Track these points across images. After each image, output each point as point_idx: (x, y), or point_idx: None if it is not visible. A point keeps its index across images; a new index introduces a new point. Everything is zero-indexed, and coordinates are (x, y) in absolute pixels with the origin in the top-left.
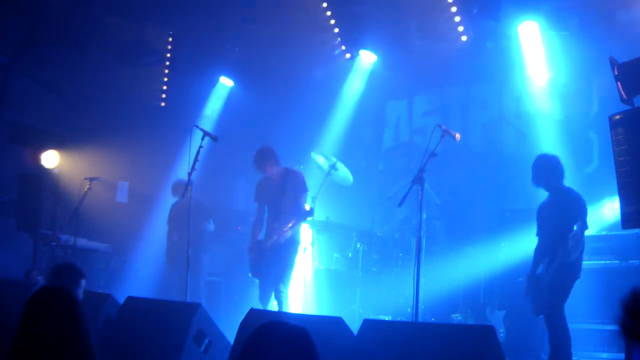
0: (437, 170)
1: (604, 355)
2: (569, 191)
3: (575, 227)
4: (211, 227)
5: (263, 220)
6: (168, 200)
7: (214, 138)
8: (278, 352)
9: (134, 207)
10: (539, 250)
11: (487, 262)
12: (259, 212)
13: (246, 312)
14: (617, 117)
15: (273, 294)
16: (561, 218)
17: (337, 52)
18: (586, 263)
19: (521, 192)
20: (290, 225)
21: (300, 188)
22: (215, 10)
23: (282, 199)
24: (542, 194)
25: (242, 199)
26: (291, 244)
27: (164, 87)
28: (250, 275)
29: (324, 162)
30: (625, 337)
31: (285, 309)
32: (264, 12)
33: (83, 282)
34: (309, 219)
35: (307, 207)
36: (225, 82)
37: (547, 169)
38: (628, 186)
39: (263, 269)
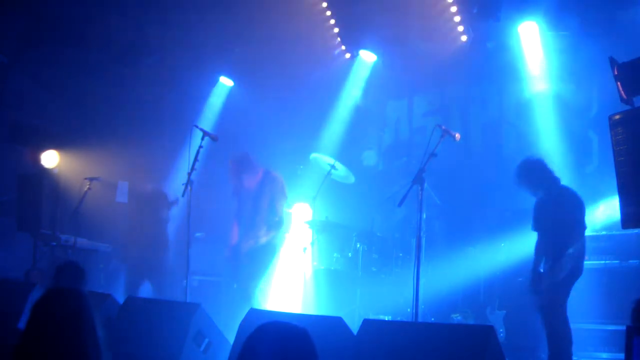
0: (437, 170)
1: (604, 355)
2: (565, 190)
3: (577, 236)
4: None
5: (240, 217)
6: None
7: (214, 138)
8: (277, 352)
9: None
10: (539, 245)
11: (487, 262)
12: (237, 211)
13: (246, 312)
14: (617, 117)
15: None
16: (562, 220)
17: (337, 52)
18: (586, 263)
19: (521, 192)
20: (265, 233)
21: (279, 194)
22: (215, 10)
23: (259, 204)
24: None
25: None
26: (267, 250)
27: (164, 87)
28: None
29: (323, 162)
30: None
31: None
32: (264, 12)
33: (85, 282)
34: (280, 229)
35: (285, 219)
36: (225, 82)
37: (534, 176)
38: (628, 186)
39: (240, 274)
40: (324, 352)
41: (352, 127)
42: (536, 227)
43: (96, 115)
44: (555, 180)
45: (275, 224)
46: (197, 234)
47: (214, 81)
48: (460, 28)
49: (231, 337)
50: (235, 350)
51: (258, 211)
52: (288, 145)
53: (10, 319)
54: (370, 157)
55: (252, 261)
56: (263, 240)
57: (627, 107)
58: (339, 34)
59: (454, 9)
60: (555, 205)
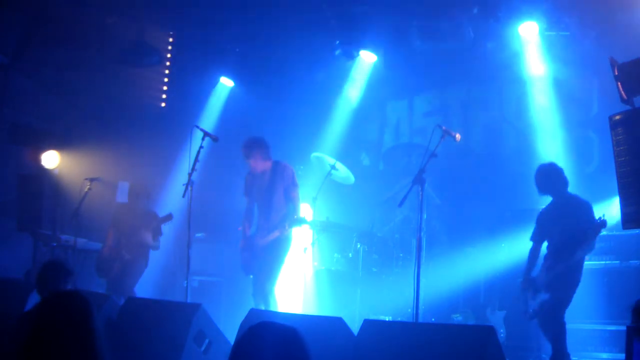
0: (437, 170)
1: (604, 355)
2: (575, 199)
3: (586, 239)
4: (149, 240)
5: (253, 215)
6: (168, 200)
7: (214, 138)
8: (268, 353)
9: None
10: (534, 252)
11: (487, 262)
12: (249, 207)
13: (246, 312)
14: (617, 117)
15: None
16: (571, 228)
17: (337, 52)
18: (586, 263)
19: (521, 192)
20: (282, 229)
21: (291, 183)
22: (215, 10)
23: (273, 195)
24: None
25: (242, 199)
26: (281, 245)
27: (164, 88)
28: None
29: (324, 162)
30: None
31: (272, 309)
32: (264, 12)
33: (70, 280)
34: (302, 225)
35: (303, 210)
36: (226, 83)
37: (550, 179)
38: (628, 186)
39: (255, 266)
40: (324, 352)
41: (352, 127)
42: (536, 238)
43: (96, 115)
44: (564, 186)
45: (296, 221)
46: (198, 235)
47: (215, 82)
48: (461, 28)
49: (231, 337)
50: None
51: (272, 205)
52: (288, 145)
53: (10, 319)
54: (364, 159)
55: (267, 258)
56: (282, 234)
57: (627, 107)
58: (339, 34)
59: (454, 9)
60: (566, 213)
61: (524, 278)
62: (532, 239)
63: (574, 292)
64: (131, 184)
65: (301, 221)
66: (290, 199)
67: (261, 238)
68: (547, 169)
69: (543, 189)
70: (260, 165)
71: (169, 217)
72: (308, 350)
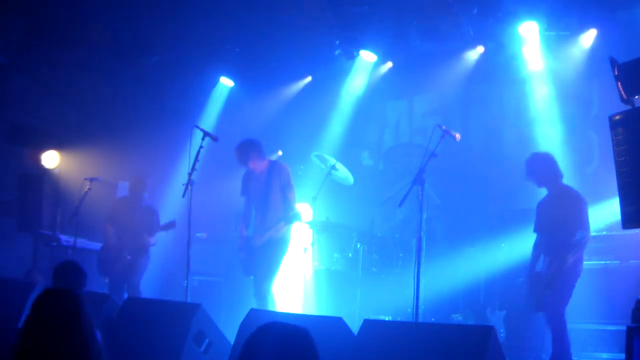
0: (437, 170)
1: (604, 355)
2: (568, 190)
3: (577, 233)
4: (150, 242)
5: (250, 215)
6: (168, 200)
7: (214, 138)
8: (279, 352)
9: None
10: (537, 245)
11: (487, 262)
12: (246, 207)
13: (246, 312)
14: (617, 117)
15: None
16: (561, 218)
17: (337, 52)
18: (586, 263)
19: (521, 192)
20: (278, 227)
21: (287, 183)
22: (215, 10)
23: (269, 195)
24: (543, 193)
25: (242, 199)
26: (278, 244)
27: (165, 88)
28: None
29: (324, 162)
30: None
31: (271, 309)
32: (264, 12)
33: (85, 282)
34: (296, 222)
35: (299, 209)
36: (226, 83)
37: (543, 168)
38: (628, 186)
39: (254, 267)
40: (324, 352)
41: (352, 127)
42: (537, 229)
43: (96, 115)
44: (558, 178)
45: (292, 217)
46: (198, 234)
47: (215, 82)
48: (461, 28)
49: (231, 337)
50: (236, 350)
51: (269, 205)
52: (288, 145)
53: (10, 319)
54: (365, 158)
55: (264, 259)
56: (279, 233)
57: (628, 107)
58: (339, 34)
59: (454, 9)
60: (558, 204)
61: (530, 273)
62: (534, 230)
63: (573, 286)
64: (130, 178)
65: (296, 217)
66: (286, 199)
67: (258, 238)
68: (544, 157)
69: (540, 179)
70: (260, 166)
71: (171, 224)
72: (318, 351)
